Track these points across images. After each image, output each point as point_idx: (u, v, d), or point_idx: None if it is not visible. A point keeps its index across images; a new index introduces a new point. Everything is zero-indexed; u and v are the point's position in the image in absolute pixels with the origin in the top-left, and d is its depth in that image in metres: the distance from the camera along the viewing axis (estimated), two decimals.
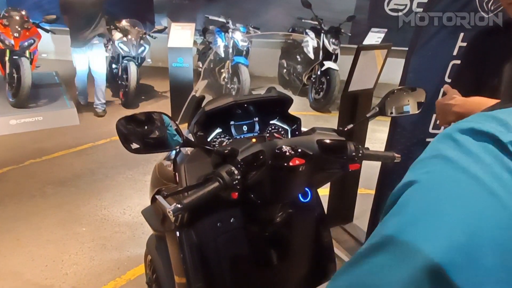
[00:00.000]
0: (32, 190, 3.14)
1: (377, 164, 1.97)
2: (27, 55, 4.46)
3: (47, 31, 4.80)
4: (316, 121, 4.93)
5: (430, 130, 1.81)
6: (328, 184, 2.67)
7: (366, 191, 3.02)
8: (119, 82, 5.13)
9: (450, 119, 1.21)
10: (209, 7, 6.62)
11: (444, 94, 1.28)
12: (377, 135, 4.09)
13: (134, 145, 0.94)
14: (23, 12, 4.60)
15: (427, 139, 1.84)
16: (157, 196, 1.20)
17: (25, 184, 3.23)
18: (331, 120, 5.07)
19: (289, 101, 1.36)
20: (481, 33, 1.30)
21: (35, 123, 4.37)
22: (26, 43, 4.46)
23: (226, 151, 1.02)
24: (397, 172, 1.97)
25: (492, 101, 1.06)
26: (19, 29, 4.38)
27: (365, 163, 1.21)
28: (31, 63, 4.49)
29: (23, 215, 2.81)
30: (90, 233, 2.66)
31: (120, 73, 5.07)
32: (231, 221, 1.21)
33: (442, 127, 1.78)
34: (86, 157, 3.79)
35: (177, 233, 1.18)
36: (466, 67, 1.37)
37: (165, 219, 1.30)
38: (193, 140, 1.17)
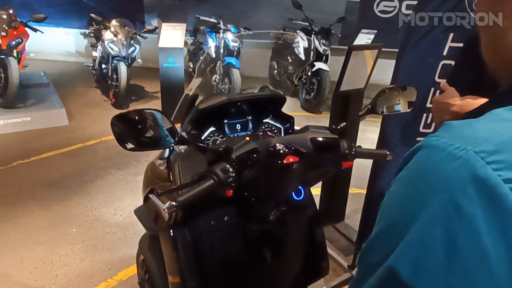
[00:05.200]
0: (21, 191, 3.09)
1: (368, 164, 1.98)
2: (15, 54, 4.40)
3: (35, 30, 4.73)
4: (307, 122, 4.95)
5: (421, 129, 1.83)
6: (320, 184, 2.69)
7: (357, 190, 3.05)
8: (109, 82, 5.07)
9: (446, 118, 1.19)
10: (200, 7, 6.61)
11: (436, 92, 1.29)
12: (367, 135, 4.13)
13: (129, 143, 0.94)
14: (11, 11, 4.53)
15: (418, 138, 1.85)
16: (150, 195, 1.19)
17: (14, 185, 3.18)
18: (321, 120, 5.11)
19: (282, 100, 1.37)
20: None
21: (23, 124, 4.30)
22: (13, 43, 4.40)
23: (220, 149, 1.03)
24: (389, 171, 1.99)
25: None
26: (6, 28, 4.31)
27: (356, 162, 1.22)
28: (18, 62, 4.43)
29: (11, 216, 2.76)
30: (80, 234, 2.63)
31: (110, 73, 5.01)
32: (225, 219, 1.21)
33: (433, 126, 1.80)
34: (75, 157, 3.75)
35: (171, 232, 1.18)
36: (465, 65, 1.34)
37: (158, 218, 1.29)
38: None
